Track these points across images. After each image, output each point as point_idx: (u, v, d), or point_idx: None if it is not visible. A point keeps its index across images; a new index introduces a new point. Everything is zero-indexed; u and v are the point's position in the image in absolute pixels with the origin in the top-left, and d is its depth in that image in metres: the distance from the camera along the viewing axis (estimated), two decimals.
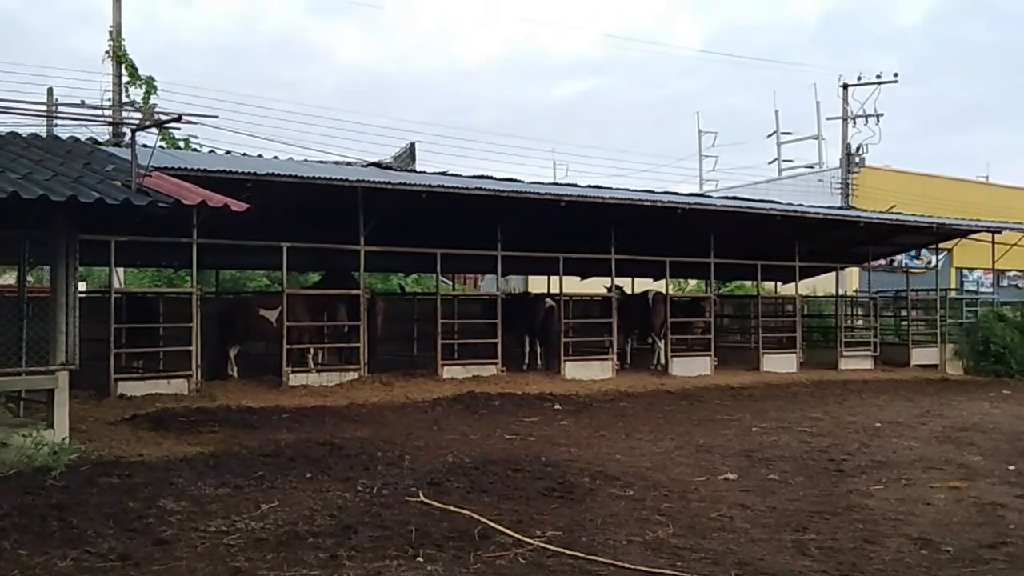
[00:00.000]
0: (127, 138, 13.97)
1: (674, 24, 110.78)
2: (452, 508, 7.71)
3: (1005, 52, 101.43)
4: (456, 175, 19.36)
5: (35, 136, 12.87)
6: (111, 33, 25.28)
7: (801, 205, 23.32)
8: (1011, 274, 36.89)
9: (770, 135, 43.95)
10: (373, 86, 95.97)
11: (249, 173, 14.14)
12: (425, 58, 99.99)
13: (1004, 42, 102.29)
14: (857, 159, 36.07)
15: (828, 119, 38.85)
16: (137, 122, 14.82)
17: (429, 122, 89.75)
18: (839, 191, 35.29)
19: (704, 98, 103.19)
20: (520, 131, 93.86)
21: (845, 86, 36.86)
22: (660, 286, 23.73)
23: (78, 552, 6.35)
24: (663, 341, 20.96)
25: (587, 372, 18.88)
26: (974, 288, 34.05)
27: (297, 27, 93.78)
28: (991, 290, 30.19)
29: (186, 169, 13.01)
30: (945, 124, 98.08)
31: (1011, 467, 10.40)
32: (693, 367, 20.42)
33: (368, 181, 15.67)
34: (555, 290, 21.06)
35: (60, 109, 23.05)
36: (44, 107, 22.42)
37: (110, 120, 23.88)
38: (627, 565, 6.29)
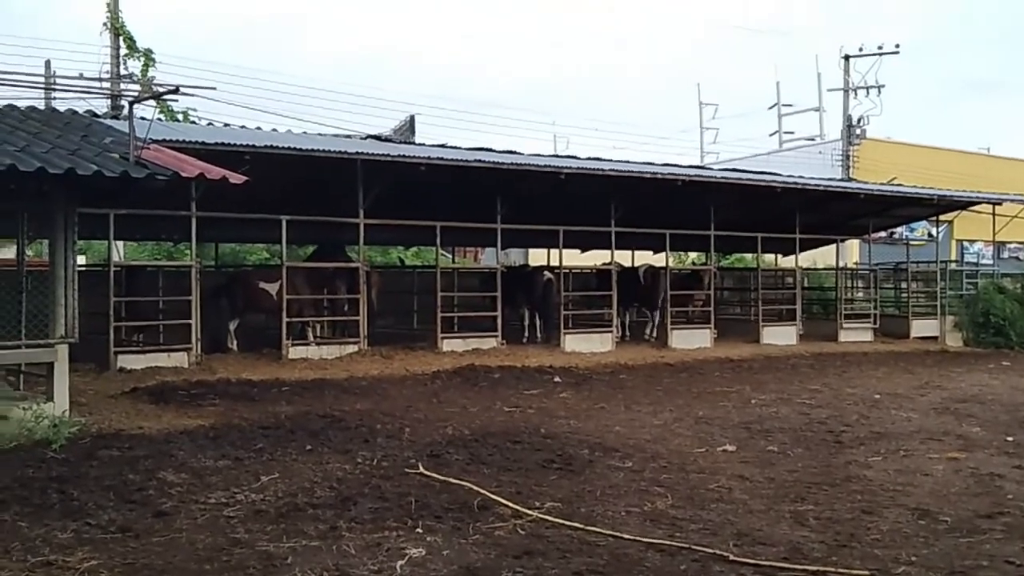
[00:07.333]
0: (125, 111, 13.90)
1: None
2: (451, 480, 7.74)
3: (1009, 25, 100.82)
4: (456, 147, 19.29)
5: (33, 109, 12.82)
6: (109, 5, 25.15)
7: (802, 177, 23.24)
8: (1012, 246, 36.83)
9: (771, 107, 43.85)
10: (375, 59, 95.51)
11: (247, 146, 14.09)
12: (427, 31, 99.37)
13: (1008, 15, 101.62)
14: (858, 131, 35.90)
15: (829, 91, 38.73)
16: (135, 94, 14.74)
17: (430, 95, 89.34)
18: (840, 163, 35.14)
19: (707, 70, 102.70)
20: (521, 105, 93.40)
21: (846, 57, 36.55)
22: (660, 259, 23.71)
23: (78, 524, 6.37)
24: (655, 314, 21.00)
25: (587, 345, 18.86)
26: (974, 260, 33.99)
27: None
28: (991, 262, 30.17)
29: (184, 142, 12.96)
30: (947, 96, 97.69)
31: (1009, 438, 10.42)
32: (693, 340, 20.39)
33: (367, 153, 15.60)
34: (555, 263, 21.03)
35: (58, 81, 22.98)
36: (42, 79, 22.32)
37: (108, 92, 23.79)
38: (626, 536, 6.31)
